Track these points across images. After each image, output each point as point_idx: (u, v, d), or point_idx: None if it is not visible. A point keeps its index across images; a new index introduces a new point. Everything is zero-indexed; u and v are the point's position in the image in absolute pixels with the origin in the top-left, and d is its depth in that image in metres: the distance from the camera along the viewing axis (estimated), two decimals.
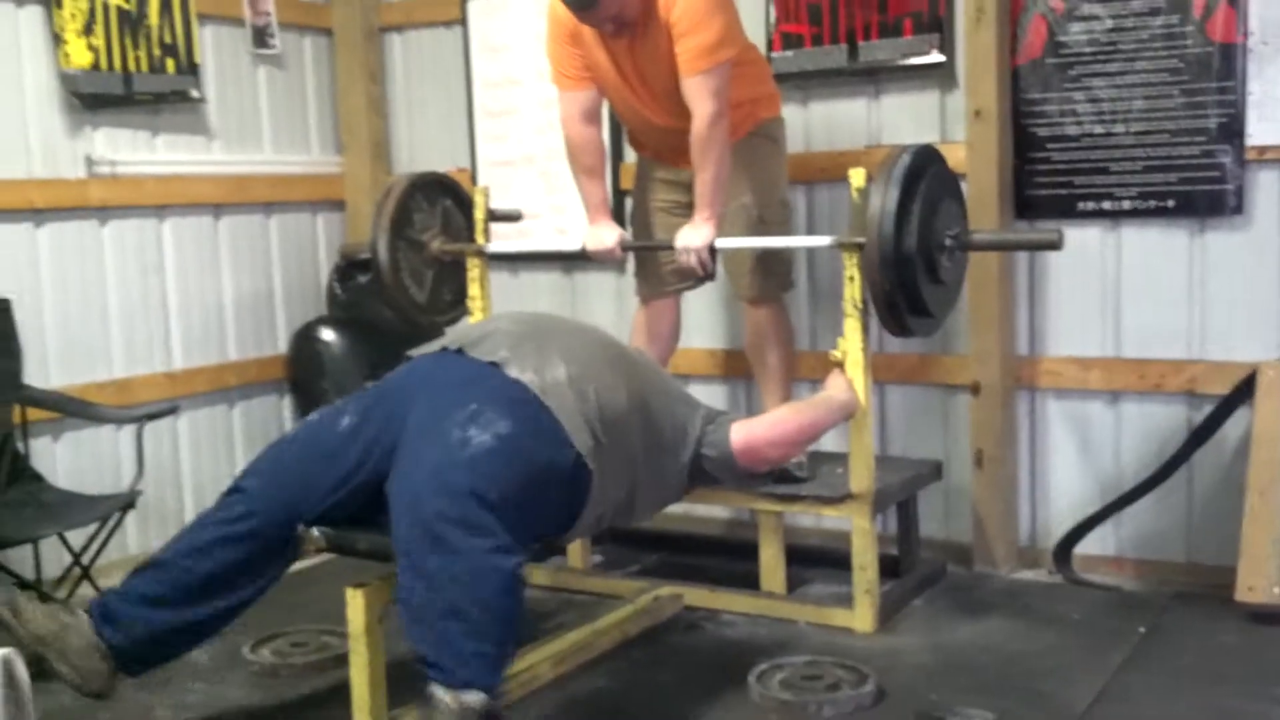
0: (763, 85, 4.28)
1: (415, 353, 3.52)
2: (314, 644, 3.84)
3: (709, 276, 4.34)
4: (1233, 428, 4.13)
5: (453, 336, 3.51)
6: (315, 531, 3.22)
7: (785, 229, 4.28)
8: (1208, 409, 4.16)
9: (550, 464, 3.09)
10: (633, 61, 4.06)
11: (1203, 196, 4.17)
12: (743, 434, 3.51)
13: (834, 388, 3.81)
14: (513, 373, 3.21)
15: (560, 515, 3.19)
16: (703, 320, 4.93)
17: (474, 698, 2.80)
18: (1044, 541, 4.53)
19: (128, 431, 4.67)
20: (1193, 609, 4.05)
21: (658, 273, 4.39)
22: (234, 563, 3.21)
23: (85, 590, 4.00)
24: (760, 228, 4.18)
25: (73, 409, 4.41)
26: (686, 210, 4.15)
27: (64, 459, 4.64)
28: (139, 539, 4.89)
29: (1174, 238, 4.26)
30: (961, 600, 4.23)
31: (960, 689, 3.51)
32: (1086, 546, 4.42)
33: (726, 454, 3.48)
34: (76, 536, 4.03)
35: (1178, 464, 4.19)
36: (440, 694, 2.81)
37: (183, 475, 5.12)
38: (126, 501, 3.97)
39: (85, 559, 3.98)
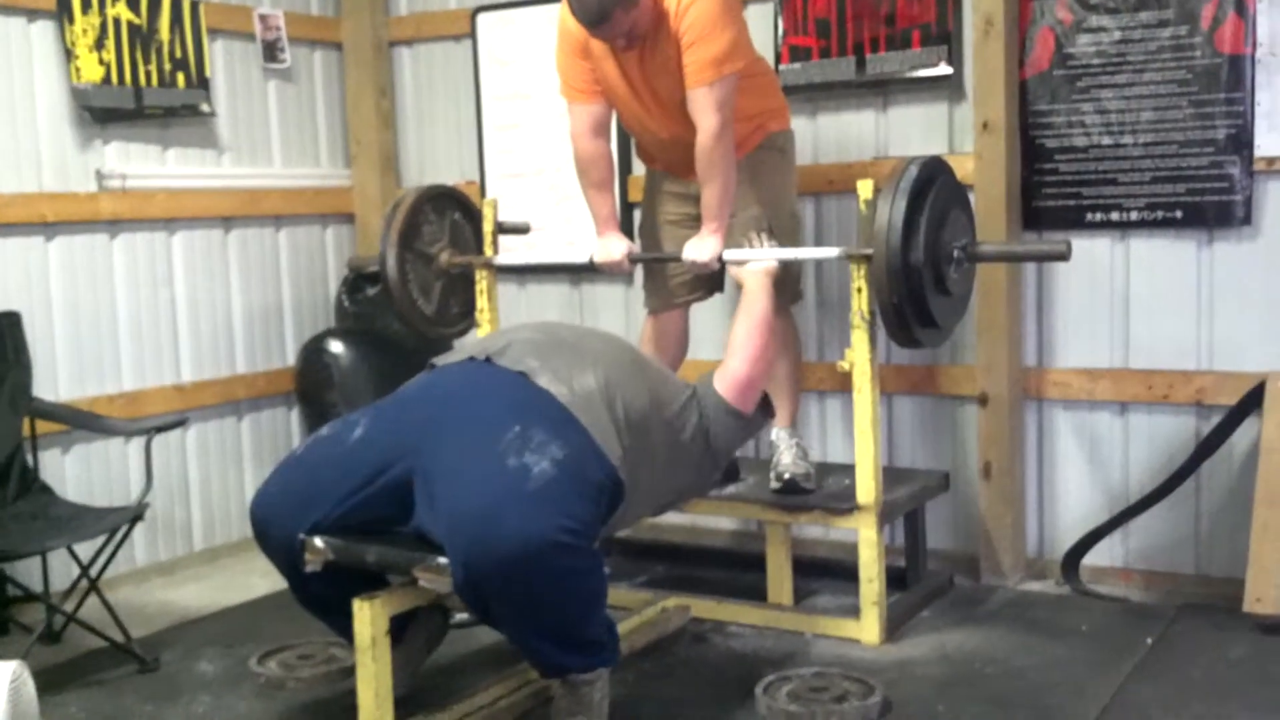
0: (772, 98, 4.28)
1: (439, 361, 3.55)
2: (321, 656, 3.83)
3: (717, 287, 4.36)
4: (1241, 438, 4.13)
5: (474, 346, 3.55)
6: (320, 542, 3.22)
7: (794, 241, 4.28)
8: (1216, 419, 4.16)
9: (597, 479, 3.16)
10: (642, 74, 4.07)
11: (1211, 207, 4.17)
12: (723, 381, 3.63)
13: (747, 277, 3.93)
14: (542, 382, 3.26)
15: (602, 518, 3.23)
16: (711, 331, 4.93)
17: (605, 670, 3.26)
18: (1052, 553, 4.53)
19: (136, 444, 4.68)
20: (1201, 620, 4.03)
21: (666, 285, 4.40)
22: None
23: (92, 602, 4.00)
24: (769, 239, 4.18)
25: (82, 422, 4.42)
26: (695, 223, 4.16)
27: (73, 471, 4.66)
28: (147, 551, 4.92)
29: (1182, 249, 4.26)
30: (969, 612, 4.22)
31: (967, 701, 3.51)
32: (1094, 558, 4.42)
33: (724, 407, 3.59)
34: (85, 549, 4.03)
35: (1186, 475, 4.19)
36: (585, 678, 3.20)
37: (191, 488, 5.13)
38: (135, 514, 3.97)
39: (93, 571, 3.98)
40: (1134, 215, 4.30)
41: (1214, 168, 4.16)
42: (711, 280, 4.35)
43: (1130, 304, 4.35)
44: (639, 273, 4.62)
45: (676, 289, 4.38)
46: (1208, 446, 4.16)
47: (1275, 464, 3.93)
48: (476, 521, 2.98)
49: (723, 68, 3.92)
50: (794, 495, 4.12)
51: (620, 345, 3.65)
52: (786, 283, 4.25)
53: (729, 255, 4.05)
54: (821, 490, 4.18)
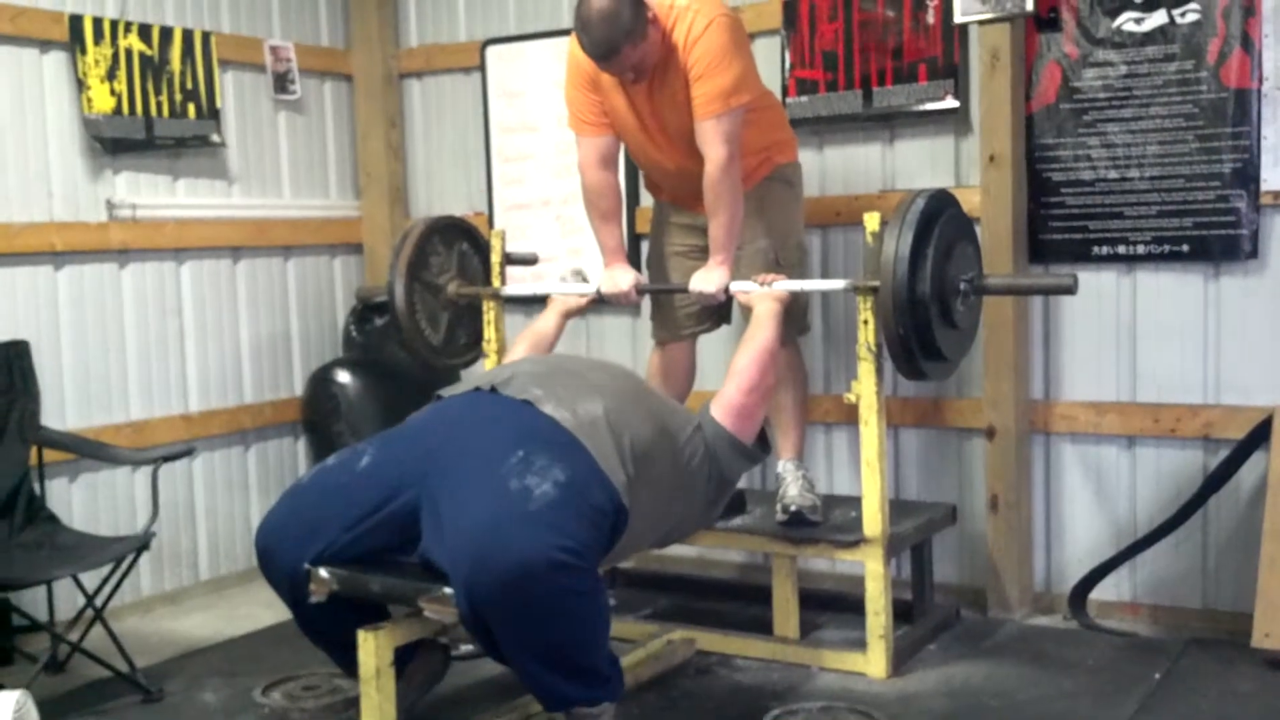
0: (779, 131, 4.30)
1: (446, 392, 3.57)
2: (325, 687, 3.83)
3: (724, 319, 4.36)
4: (1249, 473, 4.12)
5: (480, 378, 3.57)
6: (324, 572, 3.22)
7: (801, 272, 4.29)
8: (1223, 454, 4.15)
9: (600, 504, 3.16)
10: (651, 106, 4.09)
11: (1217, 241, 4.17)
12: (719, 407, 3.63)
13: (758, 302, 3.91)
14: (547, 410, 3.28)
15: (604, 542, 3.22)
16: (718, 363, 4.91)
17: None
18: (1059, 586, 4.50)
19: (143, 473, 4.69)
20: (1209, 655, 4.01)
21: (674, 316, 4.41)
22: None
23: (97, 632, 4.00)
24: (776, 271, 4.19)
25: (89, 450, 4.41)
26: (702, 254, 4.16)
27: (79, 500, 4.66)
28: (152, 581, 4.91)
29: (1188, 282, 4.26)
30: (975, 646, 4.20)
31: None
32: (1102, 592, 4.40)
33: (724, 435, 3.58)
34: (90, 578, 4.03)
35: (1193, 509, 4.17)
36: (589, 712, 3.12)
37: (197, 517, 5.13)
38: (140, 544, 3.97)
39: (98, 601, 3.98)
40: (1140, 249, 4.30)
41: (1220, 201, 4.16)
42: (719, 311, 4.35)
43: (1137, 337, 4.35)
44: (646, 304, 4.62)
45: (684, 320, 4.39)
46: (1215, 480, 4.14)
47: None
48: (478, 541, 2.99)
49: (730, 100, 3.93)
50: (800, 527, 4.11)
51: (625, 375, 3.67)
52: (793, 314, 4.25)
53: (735, 287, 4.06)
54: (828, 523, 4.17)
